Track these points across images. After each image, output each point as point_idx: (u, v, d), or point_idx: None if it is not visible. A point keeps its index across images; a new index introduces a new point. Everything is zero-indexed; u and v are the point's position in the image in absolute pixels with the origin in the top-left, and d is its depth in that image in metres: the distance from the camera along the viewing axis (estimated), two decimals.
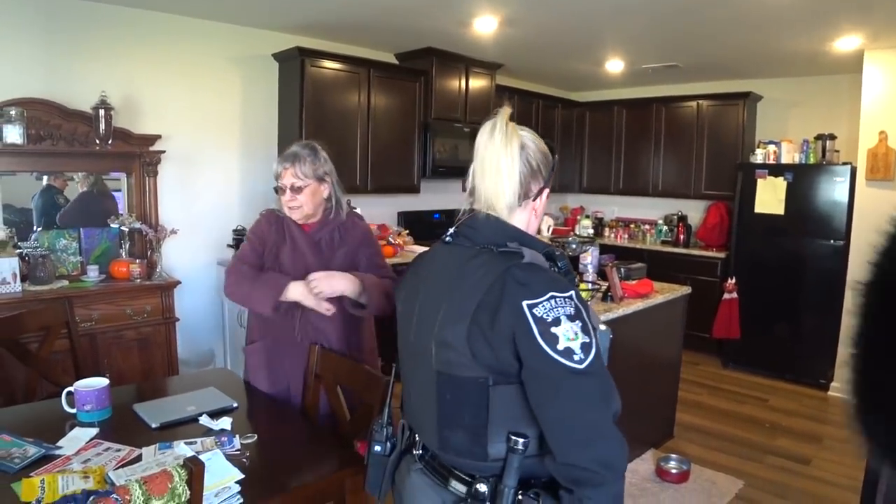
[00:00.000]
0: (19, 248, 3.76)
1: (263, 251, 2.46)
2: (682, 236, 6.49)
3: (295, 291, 2.27)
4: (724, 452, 4.05)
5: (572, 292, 1.23)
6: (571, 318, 1.20)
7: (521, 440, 1.22)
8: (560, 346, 1.17)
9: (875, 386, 1.04)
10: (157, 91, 4.41)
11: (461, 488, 1.32)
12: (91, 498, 1.28)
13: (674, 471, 3.65)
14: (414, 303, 1.43)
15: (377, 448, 1.53)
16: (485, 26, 4.58)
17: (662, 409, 4.18)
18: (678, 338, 4.23)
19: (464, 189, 1.47)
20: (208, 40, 4.63)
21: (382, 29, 4.85)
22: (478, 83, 5.92)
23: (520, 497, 1.23)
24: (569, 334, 1.18)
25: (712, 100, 6.28)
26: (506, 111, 1.36)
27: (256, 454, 1.97)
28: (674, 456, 3.79)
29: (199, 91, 4.63)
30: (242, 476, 1.78)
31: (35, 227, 3.97)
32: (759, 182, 5.54)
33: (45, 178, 4.04)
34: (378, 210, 5.71)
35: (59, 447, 1.92)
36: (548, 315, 1.19)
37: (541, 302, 1.19)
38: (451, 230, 1.43)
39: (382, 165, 5.38)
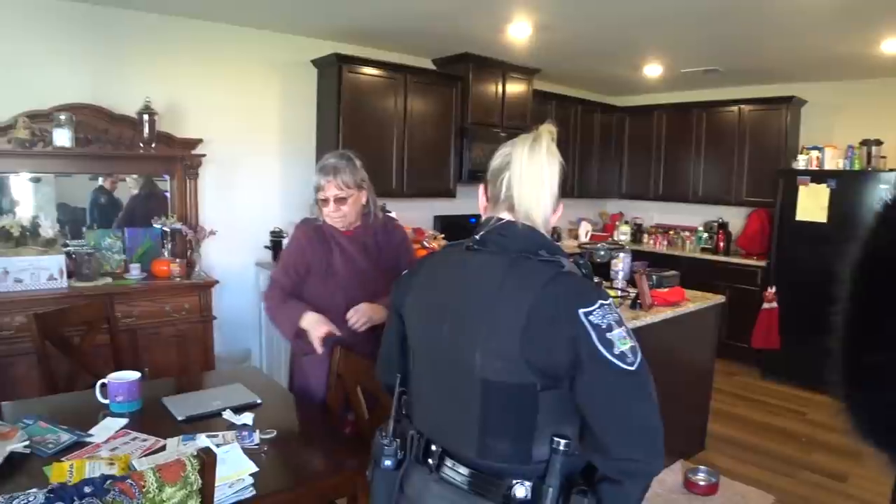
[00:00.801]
0: (67, 245, 3.94)
1: (300, 272, 2.57)
2: (721, 244, 6.39)
3: (306, 321, 2.40)
4: (756, 466, 3.98)
5: (611, 299, 1.31)
6: (619, 323, 1.28)
7: (563, 441, 1.28)
8: (616, 351, 1.24)
9: (857, 363, 1.06)
10: (199, 96, 4.56)
11: (496, 494, 1.33)
12: (108, 482, 1.36)
13: (702, 483, 3.61)
14: (443, 311, 1.41)
15: (387, 463, 1.49)
16: (519, 32, 4.61)
17: (693, 420, 4.13)
18: (711, 347, 4.18)
19: (488, 198, 1.47)
20: (249, 47, 4.77)
21: (419, 35, 4.92)
22: (515, 88, 5.95)
23: (572, 494, 1.29)
24: (621, 339, 1.26)
25: (754, 104, 6.17)
26: (551, 129, 1.41)
27: (274, 449, 2.04)
28: (703, 468, 3.74)
29: (239, 96, 4.77)
30: (257, 469, 1.85)
31: (84, 227, 4.15)
32: (802, 189, 5.43)
33: (99, 179, 4.23)
34: (414, 214, 5.78)
35: (91, 435, 2.03)
36: (602, 322, 1.25)
37: (594, 310, 1.26)
38: (477, 237, 1.43)
39: (419, 170, 5.44)
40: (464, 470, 1.37)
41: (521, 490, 1.30)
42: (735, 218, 6.54)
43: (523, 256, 1.34)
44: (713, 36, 4.59)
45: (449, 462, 1.40)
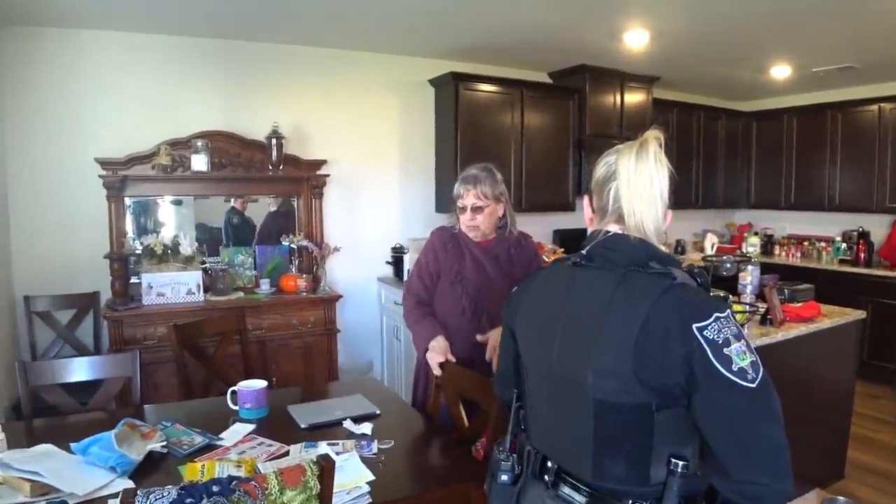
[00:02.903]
0: (204, 262, 4.24)
1: (432, 276, 2.67)
2: (862, 255, 5.90)
3: (433, 344, 2.51)
4: None
5: (729, 311, 1.24)
6: (738, 338, 1.20)
7: (681, 463, 1.22)
8: (734, 367, 1.17)
9: None
10: (323, 119, 4.80)
11: None
12: (234, 482, 1.44)
13: None
14: (553, 329, 1.39)
15: (504, 478, 1.49)
16: (636, 40, 4.51)
17: (831, 446, 3.82)
18: (851, 367, 3.86)
19: (594, 210, 1.43)
20: (368, 70, 4.96)
21: (534, 49, 4.93)
22: (633, 97, 5.82)
23: None
24: (740, 354, 1.19)
25: None
26: (658, 135, 1.35)
27: (391, 459, 2.09)
28: (842, 499, 3.42)
29: (360, 118, 4.97)
30: (374, 478, 1.90)
31: (222, 244, 4.46)
32: None
33: (230, 200, 4.53)
34: (533, 228, 5.66)
35: (221, 439, 2.17)
36: (718, 337, 1.19)
37: (709, 324, 1.20)
38: (584, 251, 1.40)
39: (537, 184, 5.42)
40: (580, 489, 1.35)
41: None
42: (877, 227, 6.03)
43: (633, 270, 1.29)
44: (848, 29, 4.27)
45: (565, 480, 1.38)
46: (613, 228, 1.37)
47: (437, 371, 2.48)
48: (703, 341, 1.18)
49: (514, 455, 1.49)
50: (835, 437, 3.85)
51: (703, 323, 1.19)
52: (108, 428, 1.97)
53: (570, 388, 1.34)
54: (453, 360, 2.47)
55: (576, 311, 1.36)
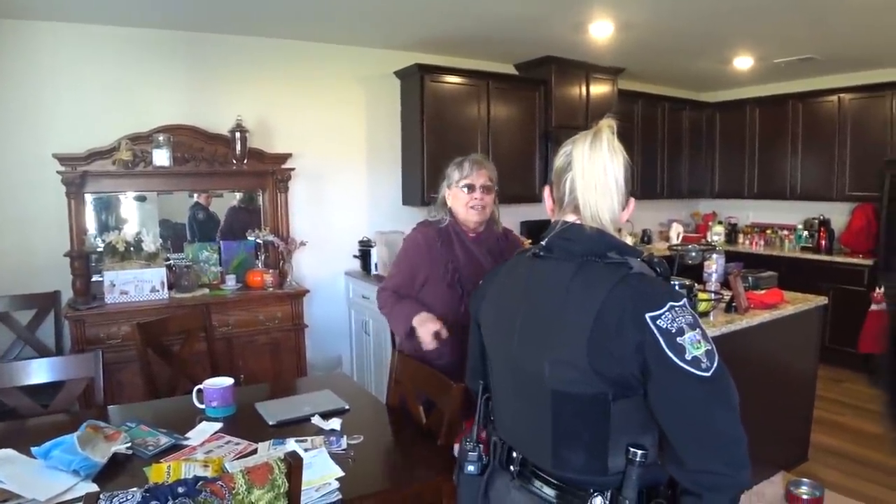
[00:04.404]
0: (168, 259, 4.16)
1: (416, 275, 2.55)
2: (823, 242, 6.03)
3: (417, 320, 2.41)
4: (865, 480, 3.71)
5: (685, 300, 1.24)
6: (692, 327, 1.20)
7: (639, 452, 1.22)
8: (688, 356, 1.17)
9: None
10: (288, 113, 4.74)
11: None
12: (199, 482, 1.41)
13: (805, 497, 3.39)
14: (513, 320, 1.40)
15: (471, 468, 1.52)
16: (601, 31, 4.53)
17: (795, 429, 3.91)
18: (813, 352, 3.95)
19: (554, 200, 1.43)
20: (333, 63, 4.91)
21: (500, 41, 4.92)
22: (599, 89, 5.86)
23: None
24: (694, 343, 1.18)
25: (855, 92, 5.80)
26: (611, 123, 1.34)
27: (361, 455, 2.07)
28: (806, 481, 3.53)
29: (326, 111, 4.92)
30: (343, 474, 1.89)
31: (186, 240, 4.39)
32: None
33: (194, 195, 4.45)
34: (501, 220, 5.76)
35: (188, 438, 2.13)
36: (671, 326, 1.18)
37: (663, 313, 1.19)
38: (542, 243, 1.40)
39: (503, 175, 5.26)
40: (543, 479, 1.36)
41: (599, 501, 1.27)
42: (838, 214, 6.16)
43: (590, 260, 1.29)
44: (809, 21, 4.34)
45: (529, 471, 1.39)
46: (571, 218, 1.37)
47: (431, 345, 2.37)
48: (655, 330, 1.18)
49: (481, 445, 1.51)
50: (798, 420, 3.94)
51: (657, 312, 1.19)
52: (70, 430, 1.92)
53: (529, 378, 1.35)
54: (445, 333, 2.37)
55: (533, 302, 1.37)
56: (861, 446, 4.17)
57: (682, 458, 1.19)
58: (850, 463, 3.94)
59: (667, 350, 1.17)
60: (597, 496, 1.27)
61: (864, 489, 3.61)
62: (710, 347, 1.20)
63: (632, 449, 1.23)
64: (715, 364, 1.19)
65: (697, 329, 1.21)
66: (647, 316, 1.19)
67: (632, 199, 1.39)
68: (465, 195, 2.49)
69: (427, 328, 2.37)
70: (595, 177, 1.31)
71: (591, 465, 1.28)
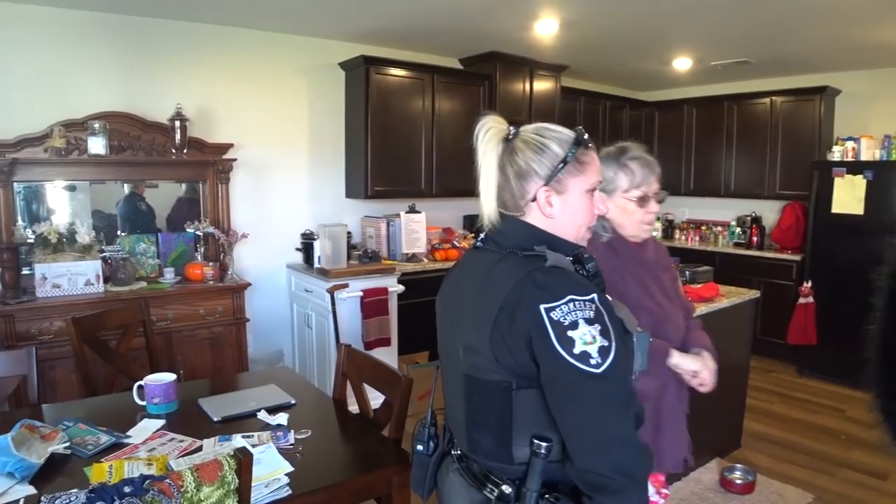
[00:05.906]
0: (103, 251, 4.01)
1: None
2: (755, 238, 6.27)
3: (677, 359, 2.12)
4: (794, 464, 3.90)
5: (594, 295, 1.21)
6: (590, 322, 1.18)
7: (543, 444, 1.21)
8: (576, 350, 1.15)
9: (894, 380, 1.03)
10: (229, 102, 4.62)
11: (490, 490, 1.33)
12: (147, 482, 1.38)
13: (738, 481, 3.54)
14: (445, 308, 1.47)
15: (419, 447, 1.57)
16: (546, 29, 4.59)
17: (729, 417, 4.06)
18: (746, 344, 4.10)
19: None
20: (277, 52, 4.81)
21: (445, 34, 4.92)
22: (542, 86, 5.92)
23: (541, 502, 1.24)
24: (586, 338, 1.16)
25: (786, 95, 6.05)
26: (495, 116, 1.38)
27: (309, 449, 2.06)
28: (739, 466, 3.68)
29: (268, 101, 4.82)
30: (292, 469, 1.87)
31: (119, 232, 4.22)
32: (837, 181, 5.31)
33: (125, 186, 4.29)
34: (443, 214, 5.78)
35: (129, 436, 2.07)
36: (565, 318, 1.17)
37: (559, 305, 1.18)
38: (482, 235, 1.44)
39: (447, 169, 5.43)
40: (465, 462, 1.41)
41: (507, 489, 1.29)
42: (769, 212, 6.43)
43: (512, 252, 1.32)
44: (744, 26, 4.50)
45: (459, 453, 1.44)
46: (503, 212, 1.39)
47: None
48: (547, 321, 1.17)
49: (431, 427, 1.57)
50: (732, 409, 4.09)
51: (552, 304, 1.18)
52: (3, 431, 1.84)
53: (452, 362, 1.41)
54: None
55: (456, 291, 1.43)
56: (790, 432, 4.36)
57: (570, 453, 1.19)
58: (780, 448, 4.12)
59: (555, 342, 1.16)
60: (508, 485, 1.29)
61: (793, 473, 3.78)
62: (606, 344, 1.17)
63: (535, 441, 1.22)
64: (608, 362, 1.16)
65: (597, 325, 1.18)
66: (542, 307, 1.18)
67: (547, 188, 1.33)
68: (638, 210, 1.97)
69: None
70: (479, 172, 1.37)
71: (498, 452, 1.30)
